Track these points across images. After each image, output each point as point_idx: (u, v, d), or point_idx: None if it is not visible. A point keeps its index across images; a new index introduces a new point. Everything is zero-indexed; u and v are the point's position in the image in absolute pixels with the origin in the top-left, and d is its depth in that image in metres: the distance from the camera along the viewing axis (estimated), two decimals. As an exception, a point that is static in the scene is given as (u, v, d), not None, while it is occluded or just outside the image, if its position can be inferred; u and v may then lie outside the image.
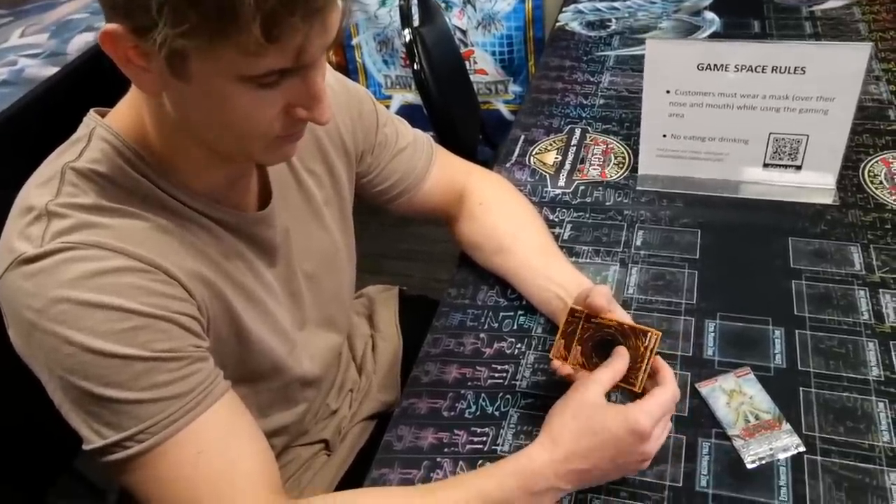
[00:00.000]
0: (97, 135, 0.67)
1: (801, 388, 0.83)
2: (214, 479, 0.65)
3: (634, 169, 1.18)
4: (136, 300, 0.61)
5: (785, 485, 0.74)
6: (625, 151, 1.23)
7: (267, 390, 0.83)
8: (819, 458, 0.76)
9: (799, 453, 0.77)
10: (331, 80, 0.88)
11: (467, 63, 2.25)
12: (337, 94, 0.88)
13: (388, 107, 2.44)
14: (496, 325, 0.94)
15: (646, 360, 0.74)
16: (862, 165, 1.16)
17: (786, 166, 1.11)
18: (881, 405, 0.81)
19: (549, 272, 0.91)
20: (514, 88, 2.34)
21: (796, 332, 0.90)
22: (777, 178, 1.12)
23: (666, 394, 0.71)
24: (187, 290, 0.66)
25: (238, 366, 0.77)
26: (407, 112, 2.41)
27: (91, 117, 0.69)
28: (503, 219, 0.98)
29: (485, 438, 0.81)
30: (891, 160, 1.17)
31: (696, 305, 0.94)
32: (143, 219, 0.65)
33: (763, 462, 0.76)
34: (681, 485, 0.75)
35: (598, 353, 0.77)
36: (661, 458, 0.77)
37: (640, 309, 0.94)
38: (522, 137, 1.28)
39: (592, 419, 0.69)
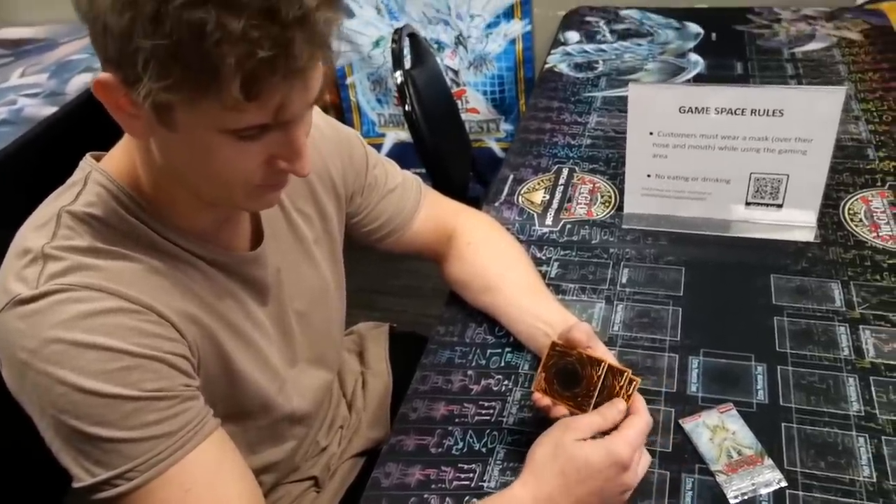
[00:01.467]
0: (93, 179, 0.69)
1: (783, 424, 0.84)
2: (203, 516, 0.66)
3: (620, 208, 1.20)
4: (127, 340, 0.63)
5: (767, 520, 0.75)
6: (611, 190, 1.25)
7: (256, 427, 0.84)
8: (801, 493, 0.77)
9: (781, 488, 0.78)
10: (322, 123, 0.91)
11: (459, 102, 2.29)
12: (328, 137, 0.91)
13: (380, 145, 2.48)
14: (484, 362, 0.95)
15: (599, 393, 0.77)
16: (842, 203, 1.19)
17: (767, 205, 1.13)
18: (861, 440, 0.82)
19: (537, 310, 0.92)
20: (505, 127, 2.38)
21: (778, 367, 0.91)
22: (759, 216, 1.14)
23: (642, 422, 0.73)
24: (178, 330, 0.67)
25: (228, 403, 0.78)
26: (400, 150, 2.44)
27: (87, 161, 0.71)
28: (491, 258, 1.00)
29: (472, 475, 0.82)
30: (870, 198, 1.20)
31: (680, 342, 0.96)
32: (136, 260, 0.67)
33: (746, 497, 0.77)
34: (664, 520, 0.76)
35: (559, 381, 0.79)
36: (645, 493, 0.78)
37: (626, 346, 0.95)
38: (511, 177, 1.31)
39: (575, 457, 0.71)
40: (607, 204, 1.22)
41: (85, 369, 0.61)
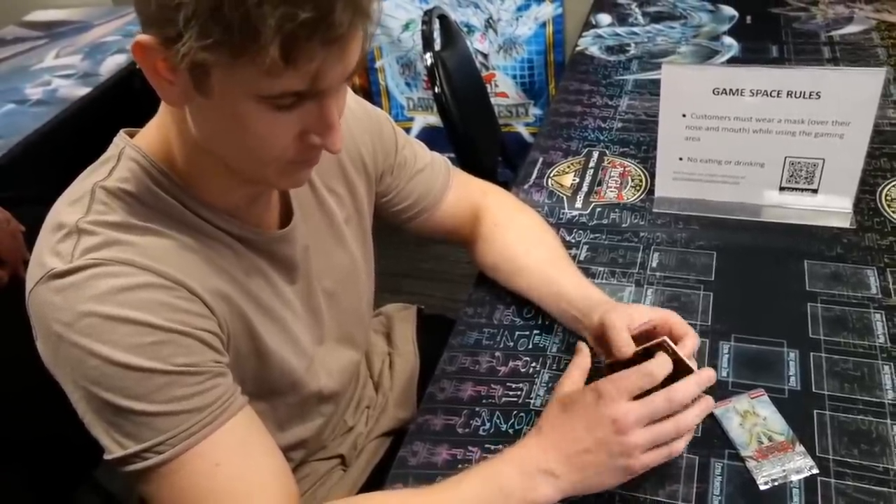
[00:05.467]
0: (126, 155, 0.69)
1: (815, 411, 0.83)
2: (231, 490, 0.67)
3: (651, 191, 1.19)
4: (159, 315, 0.63)
5: (797, 507, 0.74)
6: (642, 174, 1.24)
7: (285, 405, 0.85)
8: (833, 480, 0.76)
9: (812, 475, 0.77)
10: (352, 103, 0.91)
11: (489, 86, 2.28)
12: (358, 117, 0.91)
13: (410, 129, 2.48)
14: (511, 343, 0.95)
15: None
16: (879, 189, 1.16)
17: (802, 190, 1.11)
18: (895, 428, 0.81)
19: (559, 288, 0.92)
20: (534, 111, 2.37)
21: (811, 354, 0.90)
22: (793, 201, 1.12)
23: (636, 372, 0.71)
24: (209, 306, 0.68)
25: (257, 381, 0.78)
26: (429, 134, 2.44)
27: (121, 138, 0.71)
28: (517, 238, 0.99)
29: (498, 456, 0.82)
30: (909, 184, 1.17)
31: (711, 327, 0.95)
32: (169, 237, 0.68)
33: (776, 483, 0.76)
34: (693, 504, 0.75)
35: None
36: (673, 477, 0.77)
37: (655, 330, 0.95)
38: (541, 160, 1.30)
39: (568, 401, 0.72)
40: (638, 187, 1.21)
41: (118, 343, 0.62)
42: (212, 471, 0.66)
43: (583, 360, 0.77)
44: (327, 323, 0.89)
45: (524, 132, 2.40)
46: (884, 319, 0.94)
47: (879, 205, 1.13)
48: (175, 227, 0.69)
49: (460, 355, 0.94)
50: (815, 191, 1.11)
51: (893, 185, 1.17)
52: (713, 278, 1.02)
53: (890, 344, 0.90)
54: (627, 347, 0.77)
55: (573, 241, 1.11)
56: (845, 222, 1.10)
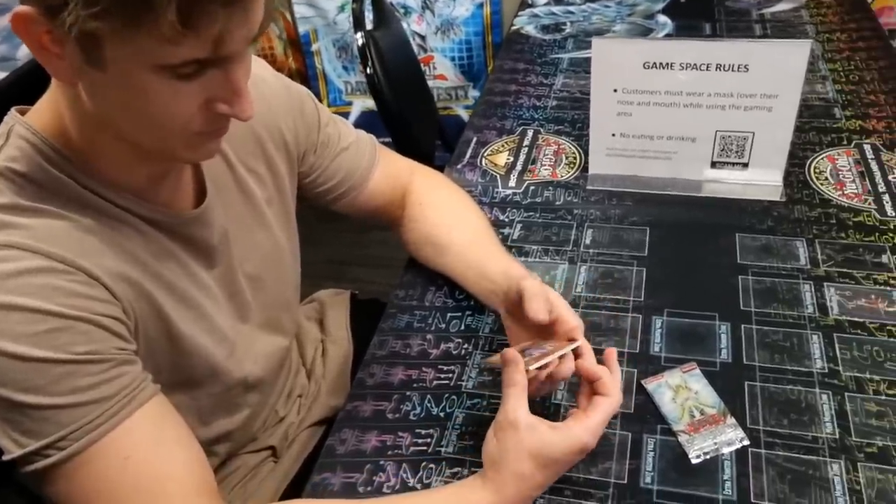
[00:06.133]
0: (15, 132, 0.65)
1: (746, 382, 0.83)
2: (142, 486, 0.63)
3: (585, 169, 1.18)
4: (53, 301, 0.59)
5: (729, 478, 0.74)
6: (576, 152, 1.23)
7: (206, 395, 0.82)
8: (763, 451, 0.76)
9: (743, 447, 0.77)
10: (271, 78, 0.87)
11: (427, 69, 2.25)
12: (277, 93, 0.87)
13: (348, 114, 2.43)
14: (443, 325, 0.93)
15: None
16: (808, 162, 1.17)
17: (733, 164, 1.11)
18: (825, 397, 0.81)
19: (481, 266, 0.90)
20: (473, 94, 2.34)
21: (742, 326, 0.90)
22: (725, 175, 1.12)
23: (612, 405, 0.69)
24: (111, 291, 0.64)
25: (173, 370, 0.75)
26: (368, 119, 2.40)
27: (11, 115, 0.66)
28: (440, 216, 0.97)
29: (429, 440, 0.79)
30: (836, 157, 1.18)
31: (644, 302, 0.94)
32: (64, 218, 0.63)
33: (708, 456, 0.76)
34: (625, 482, 0.74)
35: None
36: (605, 454, 0.76)
37: (588, 307, 0.93)
38: (475, 139, 1.28)
39: (539, 455, 0.66)
40: (572, 165, 1.19)
41: (9, 332, 0.58)
42: (120, 465, 0.63)
43: (518, 379, 0.69)
44: (251, 308, 0.86)
45: (463, 114, 2.38)
46: (812, 290, 0.94)
47: (808, 177, 1.14)
48: (71, 208, 0.64)
49: (391, 339, 0.92)
50: (745, 165, 1.11)
51: (822, 159, 1.18)
52: (646, 254, 1.01)
53: (818, 314, 0.91)
54: (543, 314, 0.75)
55: (506, 220, 1.09)
56: (776, 195, 1.10)
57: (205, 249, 0.77)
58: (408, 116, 1.68)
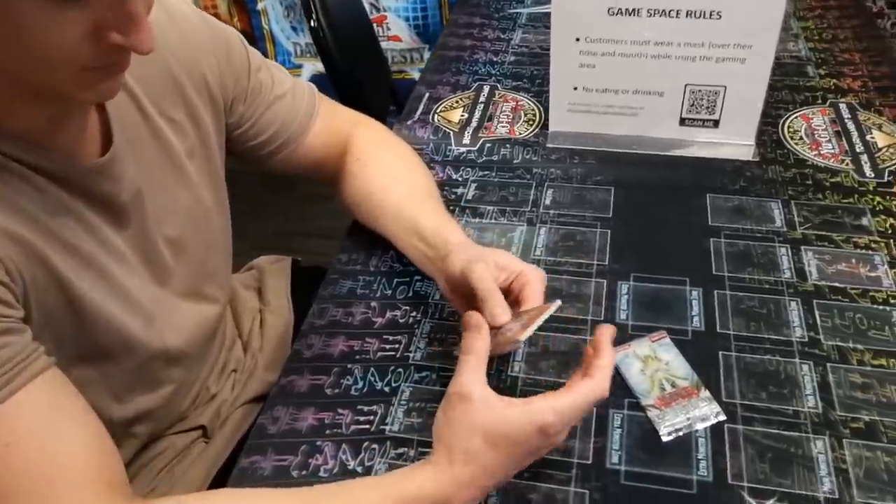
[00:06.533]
0: None
1: (720, 352, 0.76)
2: (26, 478, 0.53)
3: (545, 126, 1.09)
4: None
5: (704, 457, 0.67)
6: (535, 108, 1.14)
7: (121, 371, 0.72)
8: (741, 426, 0.69)
9: (719, 423, 0.69)
10: (192, 14, 0.77)
11: (379, 29, 2.13)
12: (199, 30, 0.77)
13: (297, 77, 2.31)
14: (389, 292, 0.84)
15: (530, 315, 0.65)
16: (782, 121, 1.10)
17: (703, 121, 1.04)
18: (805, 368, 0.74)
19: (413, 224, 0.81)
20: (429, 56, 2.24)
21: (715, 292, 0.83)
22: (694, 134, 1.05)
23: (592, 391, 0.59)
24: None
25: (78, 342, 0.65)
26: (319, 83, 2.24)
27: None
28: (378, 173, 0.88)
29: (372, 417, 0.71)
30: (811, 116, 1.12)
31: (609, 266, 0.86)
32: None
33: (680, 433, 0.69)
34: (590, 461, 0.67)
35: None
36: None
37: (549, 271, 0.85)
38: (427, 95, 1.18)
39: (491, 432, 0.58)
40: (531, 122, 1.11)
41: None
42: (2, 452, 0.53)
43: (478, 347, 0.62)
44: (173, 274, 0.76)
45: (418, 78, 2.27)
46: (789, 253, 0.87)
47: (782, 137, 1.07)
48: None
49: (331, 307, 0.83)
50: (716, 122, 1.04)
51: (796, 118, 1.11)
52: (611, 215, 0.93)
53: (796, 279, 0.84)
54: (504, 314, 0.66)
55: (460, 179, 1.00)
56: (748, 155, 1.03)
57: (113, 207, 0.67)
58: (358, 78, 1.58)
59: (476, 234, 0.91)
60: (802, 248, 0.88)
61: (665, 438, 0.68)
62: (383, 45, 1.93)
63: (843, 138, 1.06)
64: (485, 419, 0.58)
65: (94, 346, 0.67)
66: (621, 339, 0.77)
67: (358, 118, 0.93)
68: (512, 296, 0.69)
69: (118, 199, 0.67)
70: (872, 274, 0.85)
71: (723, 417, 0.70)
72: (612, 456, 0.67)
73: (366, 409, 0.71)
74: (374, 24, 1.98)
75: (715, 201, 0.95)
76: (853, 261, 0.86)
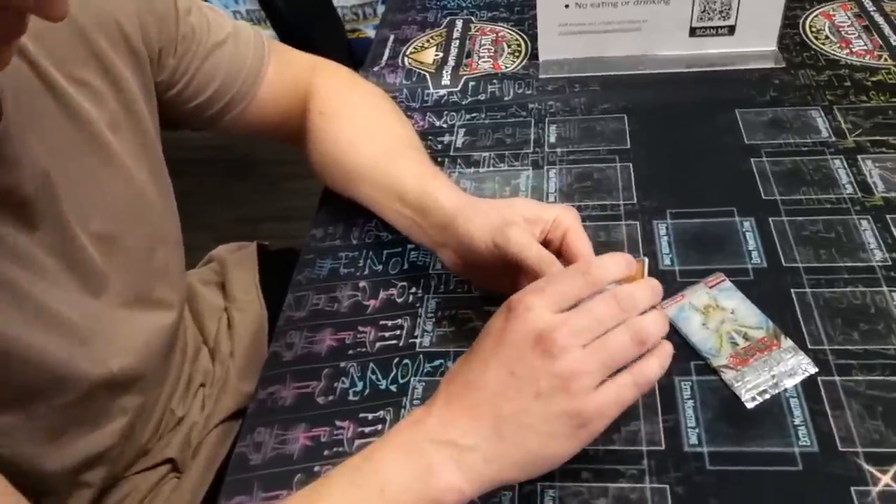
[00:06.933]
0: None
1: (792, 290, 0.62)
2: None
3: (535, 56, 0.94)
4: None
5: (802, 422, 0.53)
6: (519, 38, 0.99)
7: (53, 410, 0.56)
8: (837, 378, 0.56)
9: (810, 377, 0.56)
10: None
11: (326, -13, 1.95)
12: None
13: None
14: (380, 267, 0.69)
15: None
16: (801, 21, 0.96)
17: (717, 29, 0.89)
18: (896, 296, 0.61)
19: (393, 182, 0.65)
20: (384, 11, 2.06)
21: (770, 220, 0.69)
22: (708, 45, 0.90)
23: (565, 272, 0.48)
24: None
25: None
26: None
27: None
28: (347, 128, 0.72)
29: (380, 426, 0.56)
30: (831, 12, 0.97)
31: (639, 205, 0.72)
32: None
33: (767, 396, 0.55)
34: (663, 447, 0.53)
35: None
36: (629, 415, 0.54)
37: (569, 219, 0.70)
38: (392, 37, 1.02)
39: (448, 379, 0.47)
40: (517, 54, 0.95)
41: None
42: None
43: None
44: (108, 280, 0.60)
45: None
46: (845, 165, 0.73)
47: (805, 38, 0.93)
48: None
49: (311, 294, 0.67)
50: (731, 28, 0.89)
51: (815, 16, 0.97)
52: (629, 146, 0.79)
53: (861, 193, 0.70)
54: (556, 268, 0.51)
55: (445, 125, 0.85)
56: (772, 61, 0.89)
57: (14, 203, 0.51)
58: (313, 40, 1.42)
59: (473, 187, 0.76)
60: (859, 157, 0.74)
61: (749, 405, 0.54)
62: (334, 1, 1.76)
63: (874, 32, 0.92)
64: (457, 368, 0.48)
65: (12, 388, 0.52)
66: (671, 291, 0.63)
67: (318, 63, 0.77)
68: (552, 248, 0.55)
69: (20, 192, 0.51)
70: (946, 177, 0.71)
71: (814, 369, 0.56)
72: (688, 436, 0.53)
73: (370, 416, 0.57)
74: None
75: (746, 117, 0.81)
76: (921, 165, 0.73)
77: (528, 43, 0.96)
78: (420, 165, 0.67)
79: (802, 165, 0.74)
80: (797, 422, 0.53)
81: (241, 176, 2.16)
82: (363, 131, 0.72)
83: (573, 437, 0.44)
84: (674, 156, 0.77)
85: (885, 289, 0.62)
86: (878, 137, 0.76)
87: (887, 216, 0.68)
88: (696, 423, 0.54)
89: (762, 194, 0.71)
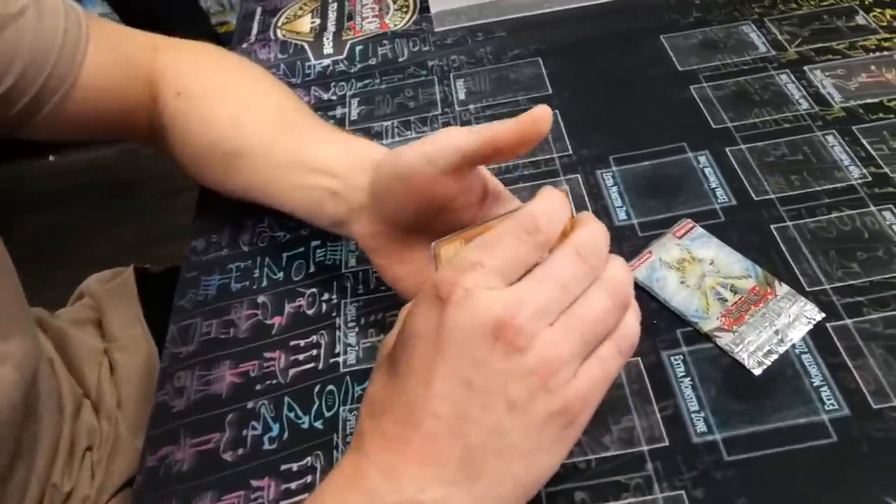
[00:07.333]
0: None
1: (771, 227, 0.53)
2: None
3: (425, 9, 0.82)
4: None
5: (823, 381, 0.44)
6: (404, -8, 0.86)
7: None
8: (849, 320, 0.46)
9: (819, 324, 0.46)
10: None
11: (182, -22, 1.77)
12: None
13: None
14: (280, 275, 0.56)
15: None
16: (707, -65, 0.87)
17: (621, -49, 0.79)
18: (888, 215, 0.52)
19: (305, 156, 0.51)
20: (252, 2, 1.90)
21: (727, 150, 0.59)
22: (614, -30, 0.80)
23: (509, 223, 0.34)
24: None
25: None
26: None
27: None
28: (218, 103, 0.57)
29: (309, 478, 0.43)
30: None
31: (576, 155, 0.61)
32: None
33: (774, 357, 0.45)
34: (667, 443, 0.42)
35: None
36: (617, 406, 0.43)
37: (501, 182, 0.59)
38: (259, 10, 0.88)
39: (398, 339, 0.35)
40: (405, 10, 0.83)
41: None
42: None
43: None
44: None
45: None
46: (793, 79, 0.65)
47: (715, -48, 0.84)
48: None
49: (199, 321, 0.54)
50: (637, -52, 0.79)
51: (720, -72, 0.88)
52: (550, 91, 0.68)
53: (818, 107, 0.62)
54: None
55: (335, 97, 0.72)
56: (687, -21, 0.80)
57: None
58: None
59: (380, 163, 0.63)
60: (805, 68, 0.66)
61: (756, 371, 0.45)
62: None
63: (787, -64, 0.85)
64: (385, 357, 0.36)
65: None
66: (634, 249, 0.53)
67: (158, 40, 0.62)
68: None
69: None
70: (903, 77, 0.64)
71: (820, 315, 0.47)
72: (695, 424, 0.43)
73: (295, 467, 0.44)
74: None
75: (673, 42, 0.71)
76: (873, 68, 0.65)
77: (416, -5, 0.84)
78: (324, 127, 0.54)
79: (747, 86, 0.65)
80: (817, 382, 0.44)
81: (125, 197, 1.97)
82: (241, 104, 0.57)
83: (561, 442, 0.33)
84: (603, 95, 0.67)
85: (872, 208, 0.53)
86: (820, 45, 0.68)
87: (853, 128, 0.59)
88: (698, 405, 0.44)
89: (711, 123, 0.62)
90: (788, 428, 0.42)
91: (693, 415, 0.43)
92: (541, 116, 0.39)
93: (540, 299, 0.32)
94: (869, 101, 0.62)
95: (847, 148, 0.58)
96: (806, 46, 0.68)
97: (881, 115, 0.60)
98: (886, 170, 0.56)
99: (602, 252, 0.35)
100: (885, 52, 0.66)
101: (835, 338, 0.46)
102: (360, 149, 0.49)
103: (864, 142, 0.58)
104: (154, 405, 0.49)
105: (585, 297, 0.34)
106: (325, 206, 0.49)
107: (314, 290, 0.54)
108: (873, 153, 0.57)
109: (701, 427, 0.43)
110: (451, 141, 0.41)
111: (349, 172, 0.47)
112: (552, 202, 0.35)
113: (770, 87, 0.64)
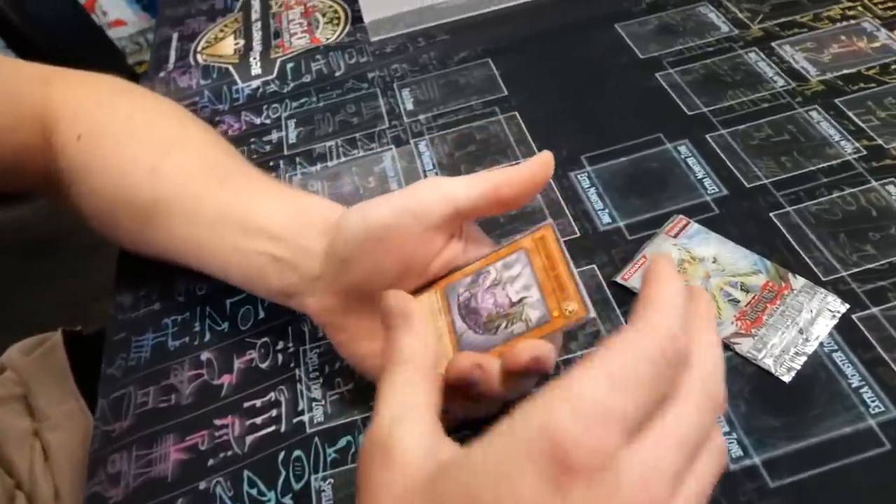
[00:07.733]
0: None
1: (771, 214, 0.48)
2: None
3: (358, 20, 0.76)
4: None
5: (862, 382, 0.38)
6: (333, 4, 0.80)
7: None
8: (875, 309, 0.41)
9: (844, 316, 0.41)
10: None
11: (95, 17, 1.68)
12: None
13: None
14: (225, 326, 0.48)
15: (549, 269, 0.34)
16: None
17: (561, -59, 0.74)
18: (892, 189, 0.48)
19: (237, 212, 0.43)
20: None
21: (707, 137, 0.54)
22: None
23: (635, 346, 0.26)
24: None
25: None
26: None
27: None
28: (128, 147, 0.48)
29: (282, 568, 0.36)
30: None
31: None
32: None
33: (803, 360, 0.40)
34: (700, 476, 0.36)
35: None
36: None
37: (464, 196, 0.53)
38: (175, 35, 0.81)
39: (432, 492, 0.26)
40: (336, 22, 0.77)
41: None
42: None
43: (415, 346, 0.33)
44: None
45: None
46: (763, 56, 0.60)
47: (657, -64, 0.80)
48: None
49: (133, 390, 0.46)
50: (577, -62, 0.74)
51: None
52: (506, 92, 0.62)
53: (795, 83, 0.57)
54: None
55: (268, 121, 0.65)
56: (633, -35, 0.75)
57: None
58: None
59: (327, 187, 0.56)
60: (774, 45, 0.61)
61: (786, 378, 0.39)
62: (111, 36, 1.50)
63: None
64: (419, 479, 0.27)
65: None
66: (625, 255, 0.47)
67: (50, 72, 0.53)
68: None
69: None
70: (874, 44, 0.60)
71: (844, 306, 0.41)
72: (729, 449, 0.37)
73: (264, 555, 0.36)
74: (88, 14, 1.54)
75: (630, 30, 0.66)
76: (843, 38, 0.61)
77: (346, 6, 0.78)
78: (264, 179, 0.46)
79: (716, 68, 0.60)
80: (855, 383, 0.38)
81: (46, 255, 1.85)
82: (159, 147, 0.50)
83: None
84: (564, 91, 0.61)
85: (874, 184, 0.48)
86: (784, 20, 0.64)
87: (835, 101, 0.55)
88: (729, 426, 0.38)
89: (685, 110, 0.57)
90: (833, 440, 0.36)
91: (724, 438, 0.37)
92: (548, 162, 0.36)
93: (670, 470, 0.25)
94: (846, 71, 0.57)
95: (834, 122, 0.53)
96: (769, 22, 0.64)
97: (861, 84, 0.56)
98: (880, 141, 0.51)
99: (721, 379, 0.29)
100: (853, 21, 0.62)
101: (864, 330, 0.40)
102: (310, 207, 0.41)
103: (850, 114, 0.54)
104: (86, 499, 0.40)
105: (706, 452, 0.28)
106: (266, 275, 0.41)
107: (266, 339, 0.47)
108: (862, 125, 0.53)
109: (736, 451, 0.37)
110: (442, 194, 0.35)
111: (297, 235, 0.40)
112: (676, 295, 0.28)
113: (740, 67, 0.60)
